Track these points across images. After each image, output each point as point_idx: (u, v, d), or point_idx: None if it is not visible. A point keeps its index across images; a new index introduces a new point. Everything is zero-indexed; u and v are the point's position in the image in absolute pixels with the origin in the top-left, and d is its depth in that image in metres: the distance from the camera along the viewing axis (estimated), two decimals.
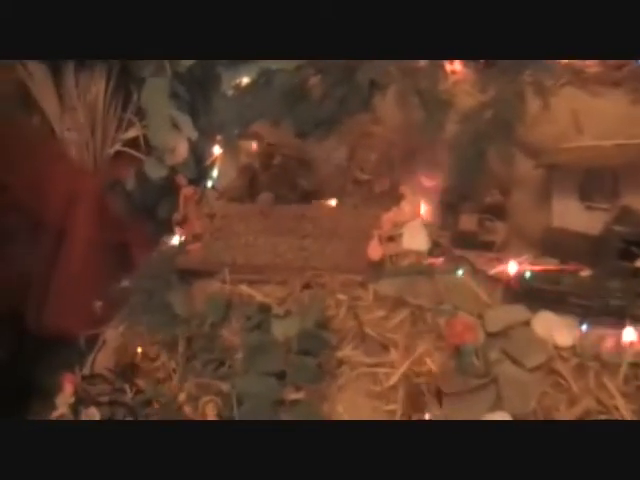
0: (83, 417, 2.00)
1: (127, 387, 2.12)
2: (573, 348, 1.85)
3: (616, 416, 1.71)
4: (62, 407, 1.97)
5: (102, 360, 2.20)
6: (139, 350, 2.16)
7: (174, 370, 2.09)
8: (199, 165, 2.66)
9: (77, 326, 2.63)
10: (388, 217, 2.14)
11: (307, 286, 2.11)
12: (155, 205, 2.77)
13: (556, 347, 1.85)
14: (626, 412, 1.71)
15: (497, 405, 1.79)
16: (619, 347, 1.81)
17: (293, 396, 1.92)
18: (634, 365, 1.78)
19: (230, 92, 2.57)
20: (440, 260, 2.09)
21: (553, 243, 2.12)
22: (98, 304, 2.50)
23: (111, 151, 2.94)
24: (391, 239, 2.11)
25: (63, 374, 2.10)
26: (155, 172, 2.72)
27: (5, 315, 2.85)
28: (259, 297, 2.12)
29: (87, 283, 2.75)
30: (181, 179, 2.37)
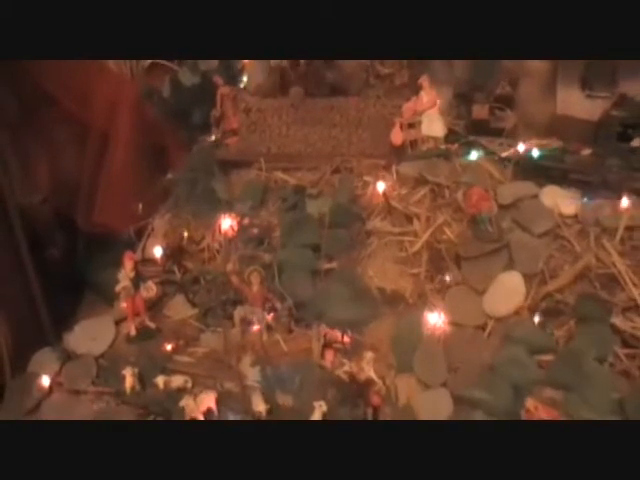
0: (142, 290, 2.19)
1: (175, 268, 2.33)
2: (576, 216, 2.02)
3: (613, 270, 1.88)
4: (124, 280, 2.14)
5: (152, 246, 2.38)
6: (185, 234, 2.33)
7: (218, 251, 2.28)
8: (229, 71, 2.73)
9: (124, 221, 2.81)
10: (408, 106, 2.24)
11: (337, 170, 2.27)
12: (189, 110, 2.86)
13: (561, 215, 2.02)
14: (622, 267, 1.88)
15: (509, 266, 1.97)
16: (616, 213, 1.97)
17: (327, 265, 2.11)
18: (628, 228, 1.95)
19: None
20: (456, 145, 2.23)
21: (557, 129, 2.25)
22: (139, 205, 2.68)
23: (146, 63, 3.00)
24: (411, 126, 2.23)
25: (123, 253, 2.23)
26: (189, 79, 2.80)
27: (58, 217, 3.00)
28: (293, 181, 2.29)
29: (130, 182, 2.82)
30: (218, 79, 2.48)
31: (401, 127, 2.24)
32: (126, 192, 2.82)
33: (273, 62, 2.46)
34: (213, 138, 2.51)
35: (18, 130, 2.92)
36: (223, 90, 2.43)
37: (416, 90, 2.28)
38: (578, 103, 2.26)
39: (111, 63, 3.01)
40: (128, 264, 2.17)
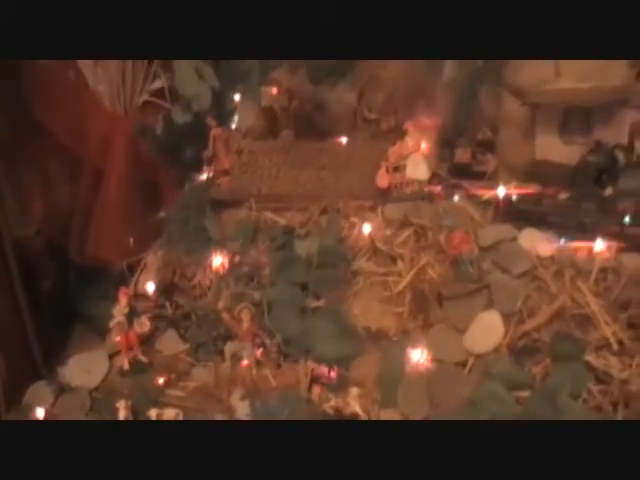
0: (136, 325, 2.26)
1: (167, 304, 2.40)
2: (552, 258, 2.09)
3: (587, 310, 1.97)
4: (119, 316, 2.22)
5: (144, 281, 2.45)
6: (177, 271, 2.41)
7: (209, 288, 2.34)
8: (221, 110, 2.81)
9: (116, 255, 2.87)
10: (394, 150, 2.32)
11: (324, 211, 2.34)
12: (182, 148, 2.92)
13: (538, 257, 2.09)
14: (595, 307, 1.97)
15: (489, 306, 2.05)
16: (591, 256, 2.06)
17: (315, 303, 2.18)
18: (602, 270, 2.04)
19: None
20: (439, 187, 2.30)
21: (536, 173, 2.32)
22: (131, 239, 2.75)
23: (139, 100, 3.04)
24: (396, 169, 2.31)
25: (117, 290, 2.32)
26: (181, 118, 2.84)
27: (51, 248, 3.05)
28: (283, 221, 2.36)
29: (123, 216, 2.88)
30: (211, 121, 2.54)
31: (387, 170, 2.31)
32: (119, 226, 2.87)
33: (264, 104, 2.55)
34: (205, 177, 2.57)
35: (13, 162, 2.97)
36: (215, 132, 2.50)
37: (401, 135, 2.36)
38: (556, 148, 2.32)
39: (105, 100, 3.07)
40: (123, 300, 2.24)
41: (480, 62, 2.33)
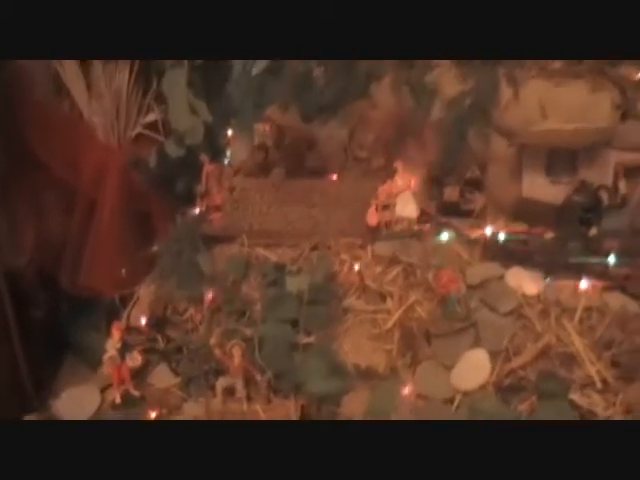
0: (128, 360, 2.28)
1: (159, 337, 2.41)
2: (538, 296, 2.14)
3: (572, 349, 2.02)
4: (111, 350, 2.24)
5: (137, 314, 2.46)
6: (169, 305, 2.42)
7: (200, 322, 2.36)
8: (214, 145, 2.83)
9: (108, 287, 2.90)
10: (383, 189, 2.37)
11: (315, 248, 2.37)
12: (174, 181, 2.95)
13: (524, 296, 2.14)
14: (580, 346, 2.01)
15: (476, 344, 2.10)
16: (575, 294, 2.11)
17: (306, 340, 2.21)
18: (587, 309, 2.09)
19: (242, 80, 2.76)
20: (427, 226, 2.36)
21: (523, 211, 2.37)
22: (123, 270, 2.77)
23: (133, 133, 3.11)
24: (386, 208, 2.35)
25: (108, 328, 2.34)
26: (174, 151, 2.87)
27: (43, 278, 3.08)
28: (274, 258, 2.38)
29: (116, 247, 2.93)
30: (204, 158, 2.58)
31: (377, 208, 2.36)
32: (112, 257, 2.92)
33: (256, 141, 2.59)
34: (197, 211, 2.60)
35: (6, 192, 3.00)
36: (208, 168, 2.54)
37: (391, 173, 2.40)
38: (542, 187, 2.37)
39: (100, 132, 3.11)
40: (116, 334, 2.26)
41: (468, 103, 2.36)
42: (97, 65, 3.07)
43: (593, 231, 2.25)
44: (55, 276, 3.09)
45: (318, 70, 2.51)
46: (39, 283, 3.14)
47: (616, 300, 2.13)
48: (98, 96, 3.09)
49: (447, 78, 2.41)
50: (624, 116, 2.32)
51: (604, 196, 2.30)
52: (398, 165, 2.40)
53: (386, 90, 2.47)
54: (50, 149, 3.04)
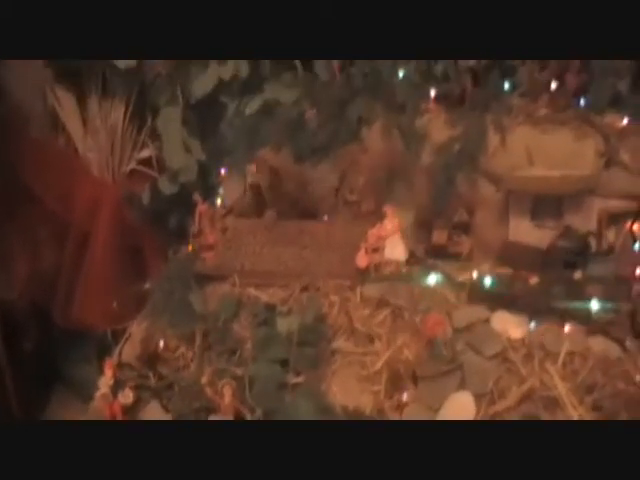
0: (120, 397, 2.30)
1: (151, 374, 2.43)
2: (523, 340, 2.18)
3: (555, 392, 2.05)
4: (104, 387, 2.26)
5: (128, 351, 2.46)
6: (161, 342, 2.43)
7: (192, 359, 2.38)
8: (207, 183, 2.91)
9: (100, 321, 2.93)
10: (373, 232, 2.40)
11: (305, 289, 2.39)
12: (167, 216, 3.03)
13: (509, 340, 2.18)
14: (562, 389, 2.05)
15: (462, 386, 2.12)
16: (559, 338, 2.15)
17: (295, 380, 2.22)
18: (570, 353, 2.12)
19: (236, 120, 2.81)
20: (416, 268, 2.39)
21: (509, 254, 2.43)
22: (115, 304, 2.80)
23: (127, 169, 3.16)
24: (375, 250, 2.39)
25: (99, 362, 2.37)
26: (168, 188, 2.95)
27: (34, 310, 3.10)
28: (265, 298, 2.41)
29: (108, 282, 2.98)
30: (197, 197, 2.60)
31: (366, 251, 2.38)
32: (104, 291, 2.96)
33: (249, 182, 2.64)
34: (190, 250, 2.62)
35: (0, 224, 3.03)
36: (202, 208, 2.56)
37: (381, 217, 2.44)
38: (528, 231, 2.43)
39: (94, 168, 3.16)
40: (108, 372, 2.29)
41: (457, 148, 2.42)
42: (93, 101, 3.13)
43: (577, 275, 2.30)
44: (47, 309, 3.13)
45: (311, 112, 2.60)
46: (31, 315, 3.17)
47: (599, 344, 2.17)
48: (94, 132, 3.14)
49: (436, 124, 2.50)
50: (607, 164, 2.39)
51: (592, 242, 2.36)
52: (387, 209, 2.43)
53: (377, 134, 2.55)
54: (44, 183, 3.09)
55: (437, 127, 2.50)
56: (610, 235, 2.41)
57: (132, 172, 3.20)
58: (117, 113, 3.13)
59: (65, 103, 3.17)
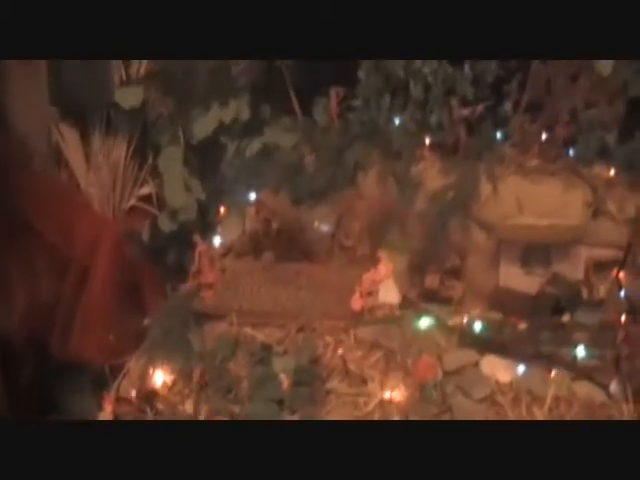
0: None
1: (148, 409, 2.49)
2: (511, 384, 2.25)
3: None
4: None
5: (126, 386, 2.48)
6: (159, 379, 2.46)
7: (189, 396, 2.41)
8: (206, 222, 2.97)
9: (97, 356, 2.96)
10: (367, 276, 2.48)
11: (301, 329, 2.46)
12: (166, 252, 3.09)
13: (498, 383, 2.25)
14: None
15: None
16: (546, 383, 2.22)
17: (290, 419, 2.25)
18: (556, 398, 2.19)
19: (235, 161, 2.89)
20: (409, 312, 2.46)
21: (500, 299, 2.50)
22: (111, 337, 2.85)
23: (127, 205, 3.22)
24: (369, 294, 2.46)
25: (95, 394, 2.45)
26: (167, 226, 3.03)
27: (32, 341, 3.13)
28: (261, 337, 2.46)
29: (106, 317, 2.99)
30: (197, 238, 2.66)
31: (361, 294, 2.46)
32: (103, 326, 2.97)
33: (248, 224, 2.71)
34: (189, 288, 2.67)
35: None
36: (201, 248, 2.62)
37: (375, 262, 2.52)
38: (518, 278, 2.49)
39: (95, 203, 3.21)
40: (107, 407, 2.33)
41: (450, 196, 2.50)
42: (96, 138, 3.20)
43: (565, 321, 2.38)
44: (45, 341, 3.15)
45: (309, 158, 2.68)
46: (28, 346, 3.19)
47: (583, 389, 2.24)
48: (96, 168, 3.20)
49: (431, 172, 2.58)
50: (595, 214, 2.48)
51: (583, 290, 2.44)
52: (381, 254, 2.52)
53: (373, 180, 2.63)
54: (46, 217, 3.11)
55: (431, 175, 2.59)
56: (596, 283, 2.47)
57: (132, 208, 3.25)
58: (119, 150, 3.19)
59: (69, 139, 3.23)
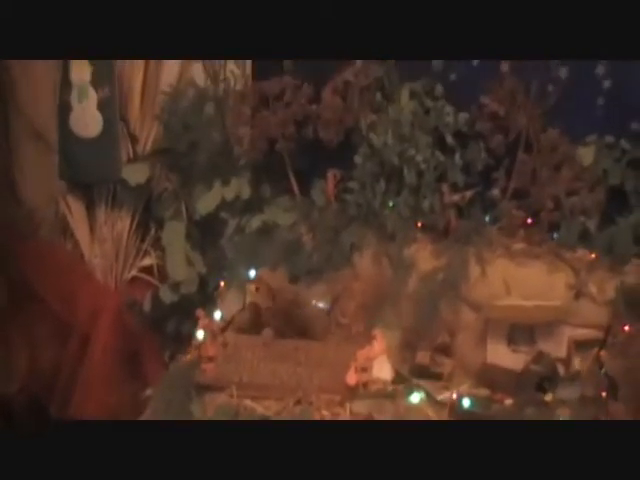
0: None
1: None
2: None
3: None
4: None
5: None
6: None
7: None
8: (207, 294, 3.06)
9: (97, 418, 3.04)
10: (362, 353, 2.56)
11: (298, 402, 2.53)
12: (166, 322, 3.17)
13: None
14: None
15: None
16: None
17: None
18: None
19: (236, 237, 2.99)
20: (401, 387, 2.55)
21: (487, 376, 2.60)
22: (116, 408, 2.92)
23: (129, 275, 3.33)
24: (364, 369, 2.54)
25: None
26: (168, 297, 3.11)
27: (32, 405, 3.22)
28: (260, 409, 2.53)
29: (106, 384, 3.11)
30: (200, 312, 2.73)
31: (355, 370, 2.54)
32: (103, 392, 3.11)
33: (248, 300, 2.82)
34: (190, 360, 2.76)
35: (2, 320, 3.16)
36: (203, 322, 2.71)
37: (369, 339, 2.61)
38: (504, 355, 2.60)
39: (98, 273, 3.32)
40: None
41: (441, 277, 2.63)
42: (101, 211, 3.32)
43: (548, 397, 2.48)
44: (45, 405, 3.24)
45: (307, 236, 2.79)
46: (29, 410, 3.27)
47: None
48: (100, 240, 3.32)
49: (423, 254, 2.70)
50: (577, 295, 2.60)
51: (560, 368, 2.54)
52: (376, 333, 2.62)
53: (368, 261, 2.74)
54: (49, 285, 3.23)
55: (423, 257, 2.71)
56: (577, 361, 2.58)
57: (133, 279, 3.36)
58: (123, 223, 3.31)
59: (75, 211, 3.35)
